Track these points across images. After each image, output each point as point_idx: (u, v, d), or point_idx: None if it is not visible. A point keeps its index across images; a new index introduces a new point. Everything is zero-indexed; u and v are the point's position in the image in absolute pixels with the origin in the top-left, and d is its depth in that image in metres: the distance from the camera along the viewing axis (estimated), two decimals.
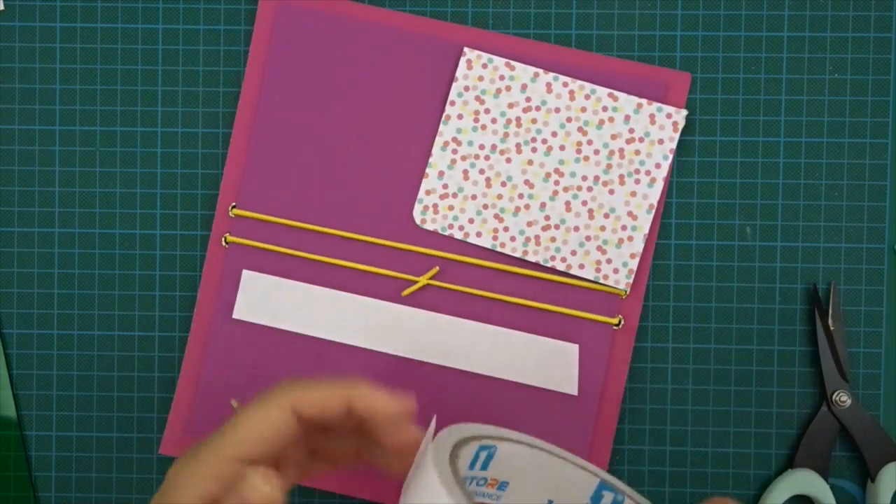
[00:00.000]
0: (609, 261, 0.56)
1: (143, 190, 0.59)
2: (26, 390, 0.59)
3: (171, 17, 0.58)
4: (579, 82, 0.56)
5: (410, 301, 0.57)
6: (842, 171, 0.57)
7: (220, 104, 0.58)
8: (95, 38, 0.58)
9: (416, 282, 0.57)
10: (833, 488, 0.57)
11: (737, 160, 0.57)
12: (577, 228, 0.56)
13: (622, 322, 0.57)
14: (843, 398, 0.56)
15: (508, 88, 0.56)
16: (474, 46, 0.57)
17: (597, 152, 0.56)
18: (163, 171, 0.59)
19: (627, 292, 0.56)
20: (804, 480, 0.56)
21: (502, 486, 0.49)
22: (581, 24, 0.58)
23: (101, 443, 0.59)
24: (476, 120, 0.56)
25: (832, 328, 0.56)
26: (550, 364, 0.57)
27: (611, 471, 0.58)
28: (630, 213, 0.56)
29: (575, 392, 0.57)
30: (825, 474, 0.56)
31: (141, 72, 0.58)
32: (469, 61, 0.56)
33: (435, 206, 0.57)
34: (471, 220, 0.57)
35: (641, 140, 0.56)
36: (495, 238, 0.56)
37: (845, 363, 0.57)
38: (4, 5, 0.58)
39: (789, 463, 0.57)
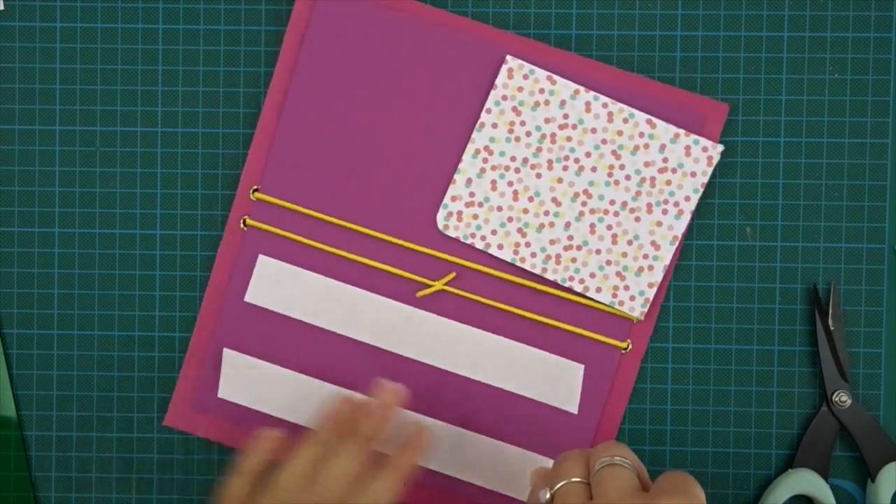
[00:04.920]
0: (627, 287, 0.56)
1: (143, 190, 0.59)
2: (26, 390, 0.59)
3: (170, 17, 0.58)
4: (619, 105, 0.56)
5: (423, 304, 0.57)
6: (842, 171, 0.57)
7: (220, 104, 0.58)
8: (95, 38, 0.58)
9: (431, 285, 0.57)
10: (833, 488, 0.57)
11: (737, 160, 0.57)
12: (598, 251, 0.56)
13: (630, 346, 0.57)
14: (843, 398, 0.56)
15: (547, 103, 0.56)
16: (517, 54, 0.56)
17: (628, 178, 0.56)
18: (163, 171, 0.59)
19: (642, 319, 0.56)
20: (804, 480, 0.56)
21: None
22: (581, 24, 0.58)
23: (100, 443, 0.59)
24: (511, 131, 0.56)
25: (832, 328, 0.56)
26: (555, 380, 0.57)
27: None
28: (653, 243, 0.56)
29: (575, 410, 0.57)
30: (825, 474, 0.56)
31: (141, 72, 0.58)
32: (510, 70, 0.56)
33: (459, 213, 0.57)
34: (493, 232, 0.56)
35: (674, 171, 0.56)
36: (516, 252, 0.56)
37: (845, 363, 0.57)
38: (4, 5, 0.58)
39: (789, 463, 0.57)
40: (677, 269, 0.57)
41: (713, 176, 0.57)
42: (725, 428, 0.58)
